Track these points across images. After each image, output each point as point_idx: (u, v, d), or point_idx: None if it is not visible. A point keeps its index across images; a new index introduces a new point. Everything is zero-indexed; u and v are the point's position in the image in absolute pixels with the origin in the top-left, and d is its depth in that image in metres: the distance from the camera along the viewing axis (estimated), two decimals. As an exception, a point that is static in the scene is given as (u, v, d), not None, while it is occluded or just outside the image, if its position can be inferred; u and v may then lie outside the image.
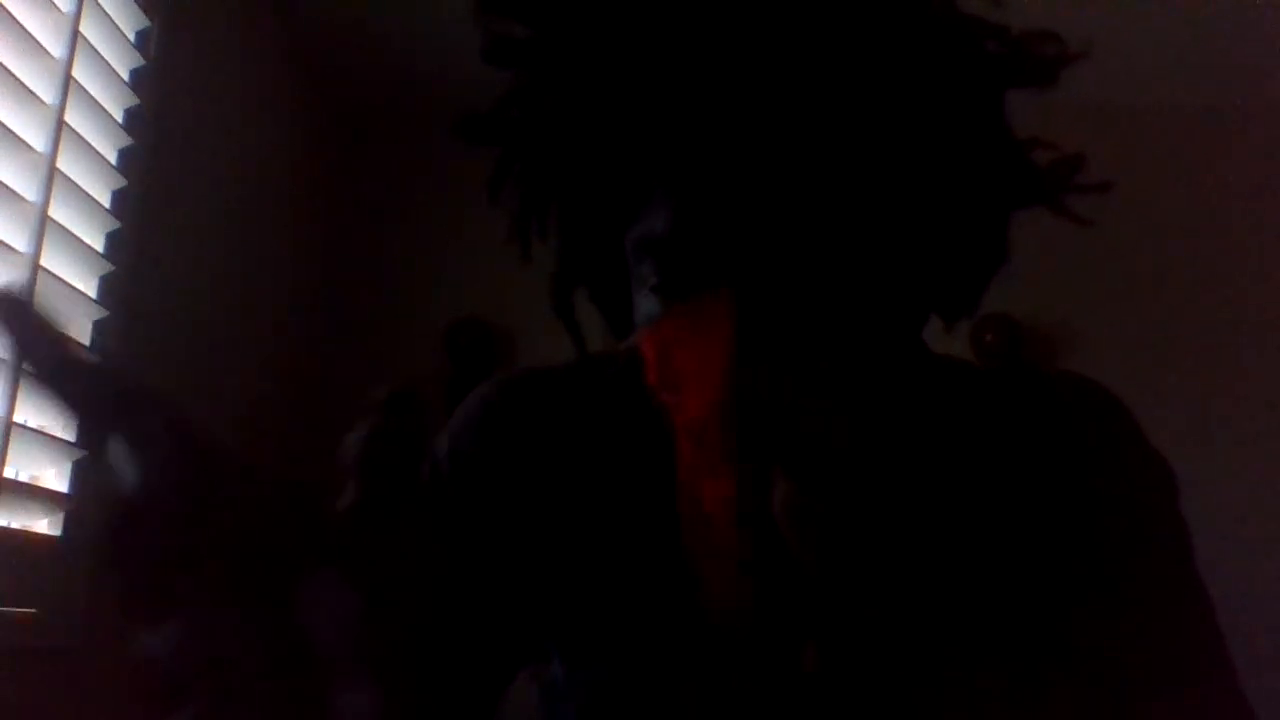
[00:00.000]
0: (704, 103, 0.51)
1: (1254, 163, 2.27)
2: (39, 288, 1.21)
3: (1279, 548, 2.02)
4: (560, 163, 0.57)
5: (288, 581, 0.30)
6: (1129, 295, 2.24)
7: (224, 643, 0.30)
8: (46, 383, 0.32)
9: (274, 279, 2.06)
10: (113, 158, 1.43)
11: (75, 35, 1.31)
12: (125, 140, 1.45)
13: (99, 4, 1.39)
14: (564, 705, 0.65)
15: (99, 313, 1.37)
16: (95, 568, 1.33)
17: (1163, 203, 2.24)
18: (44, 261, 1.23)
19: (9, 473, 1.17)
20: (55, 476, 1.32)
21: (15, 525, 1.23)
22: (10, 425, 1.15)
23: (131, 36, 1.50)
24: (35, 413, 1.28)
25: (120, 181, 1.44)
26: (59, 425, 1.32)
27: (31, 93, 1.23)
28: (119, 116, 1.45)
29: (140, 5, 1.50)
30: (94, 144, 1.37)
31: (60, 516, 1.30)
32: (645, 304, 0.56)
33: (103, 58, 1.39)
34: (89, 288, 1.38)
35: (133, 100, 1.47)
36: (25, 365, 0.31)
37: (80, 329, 1.37)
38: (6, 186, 1.17)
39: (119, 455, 0.31)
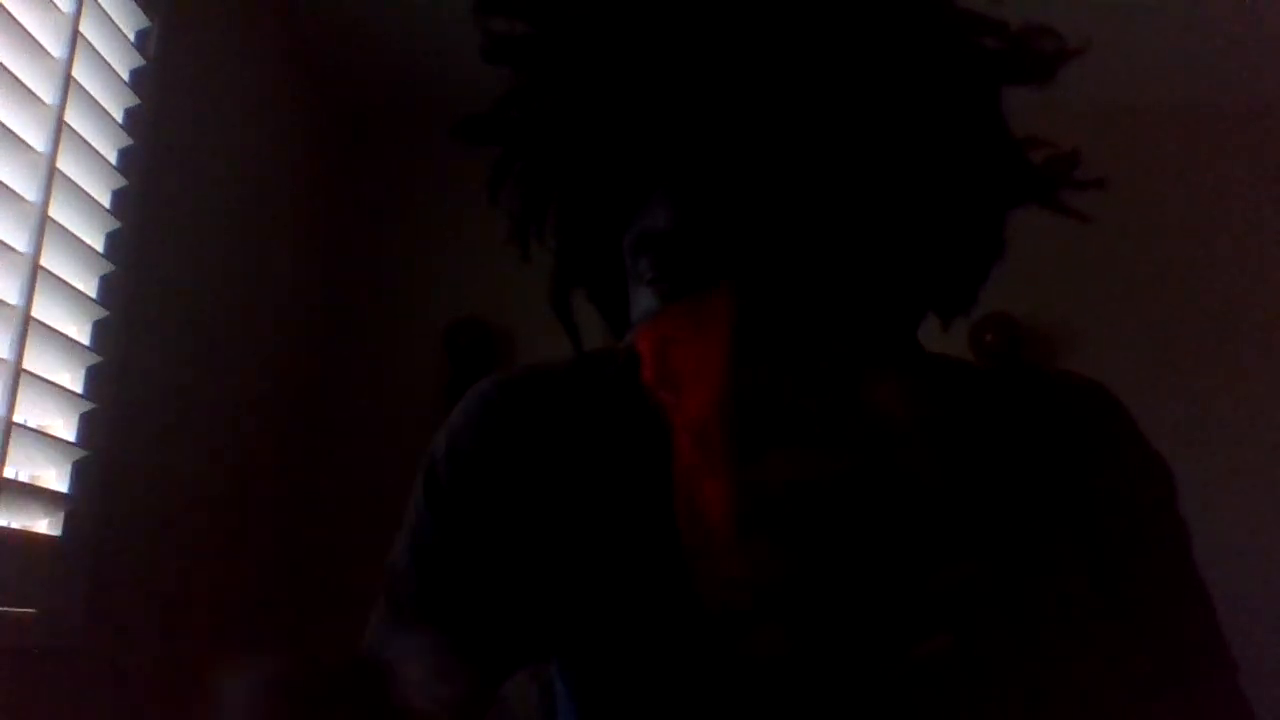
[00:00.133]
0: (704, 100, 0.51)
1: (1254, 162, 2.27)
2: (39, 288, 1.21)
3: (1279, 548, 2.02)
4: (560, 162, 0.57)
5: None
6: (1129, 295, 2.24)
7: None
8: None
9: (274, 279, 2.06)
10: (113, 158, 1.43)
11: (75, 35, 1.31)
12: (125, 140, 1.45)
13: (99, 4, 1.39)
14: (564, 704, 0.65)
15: (99, 313, 1.37)
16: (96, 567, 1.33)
17: (1163, 202, 2.24)
18: (44, 261, 1.23)
19: (9, 473, 1.17)
20: (55, 476, 1.32)
21: (15, 525, 1.23)
22: (10, 425, 1.15)
23: (131, 36, 1.50)
24: (35, 413, 1.28)
25: (120, 181, 1.43)
26: (59, 425, 1.32)
27: (31, 93, 1.23)
28: (119, 116, 1.45)
29: (140, 5, 1.50)
30: (94, 144, 1.36)
31: (60, 516, 1.30)
32: (643, 301, 0.56)
33: (103, 58, 1.39)
34: (89, 288, 1.38)
35: (133, 100, 1.47)
36: None
37: (80, 329, 1.37)
38: (6, 186, 1.17)
39: None
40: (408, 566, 0.65)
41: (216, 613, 1.72)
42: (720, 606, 0.52)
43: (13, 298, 1.19)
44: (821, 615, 0.56)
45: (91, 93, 1.35)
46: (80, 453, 1.32)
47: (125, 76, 1.47)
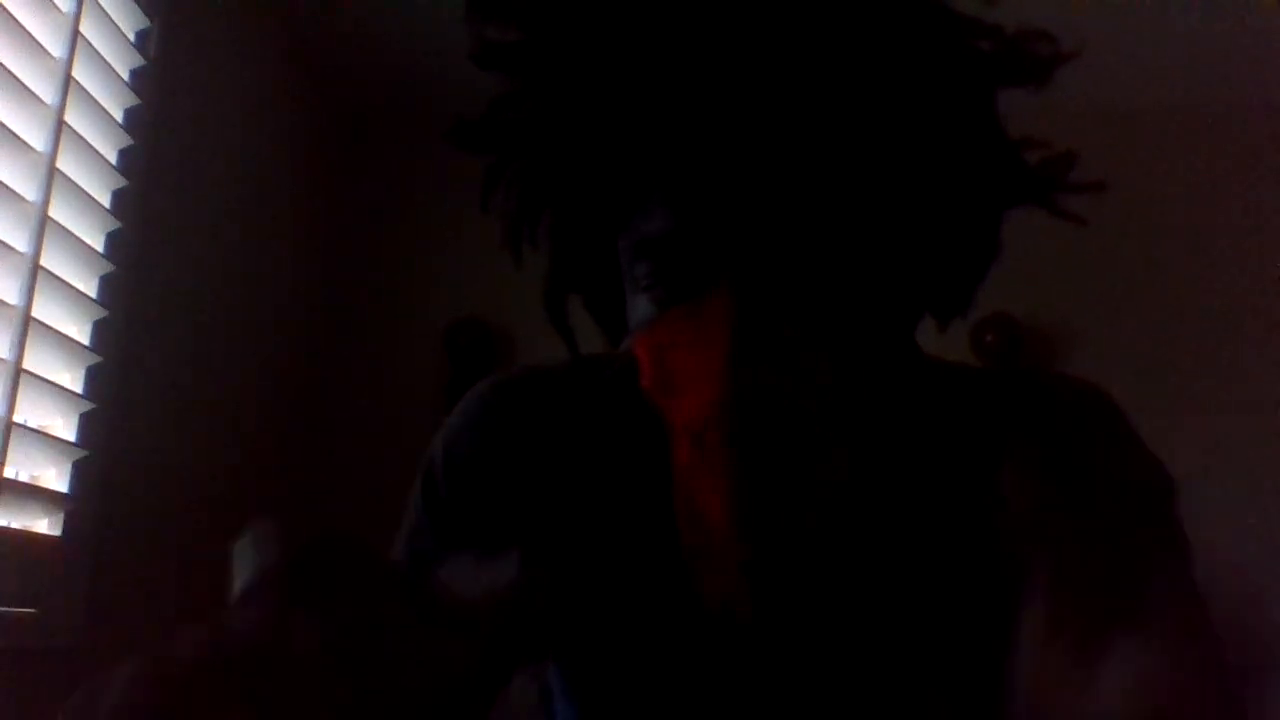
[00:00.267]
0: (698, 103, 0.50)
1: (1254, 163, 2.27)
2: (39, 288, 1.21)
3: (1278, 547, 2.02)
4: (553, 167, 0.56)
5: None
6: (1129, 295, 2.24)
7: None
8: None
9: (274, 279, 2.06)
10: (113, 158, 1.43)
11: (75, 35, 1.31)
12: (125, 140, 1.45)
13: (99, 4, 1.39)
14: (564, 706, 0.65)
15: (99, 313, 1.37)
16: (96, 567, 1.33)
17: (1163, 203, 2.24)
18: (44, 261, 1.23)
19: (9, 473, 1.17)
20: (55, 476, 1.32)
21: (15, 525, 1.23)
22: (10, 425, 1.15)
23: (131, 36, 1.50)
24: (35, 413, 1.28)
25: (120, 181, 1.44)
26: (59, 425, 1.32)
27: (31, 93, 1.23)
28: (119, 116, 1.45)
29: (140, 5, 1.50)
30: (94, 144, 1.37)
31: (60, 516, 1.30)
32: (640, 307, 0.56)
33: (103, 58, 1.39)
34: (89, 288, 1.38)
35: (133, 100, 1.47)
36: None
37: (80, 329, 1.37)
38: (6, 186, 1.17)
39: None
40: (405, 568, 0.65)
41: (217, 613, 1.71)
42: (720, 606, 0.52)
43: (13, 298, 1.19)
44: (821, 616, 0.56)
45: (91, 93, 1.35)
46: (80, 453, 1.32)
47: (125, 76, 1.47)
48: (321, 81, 2.24)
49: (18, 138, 1.20)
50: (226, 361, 1.82)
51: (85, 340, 1.36)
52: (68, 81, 1.29)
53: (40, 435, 1.24)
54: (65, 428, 1.33)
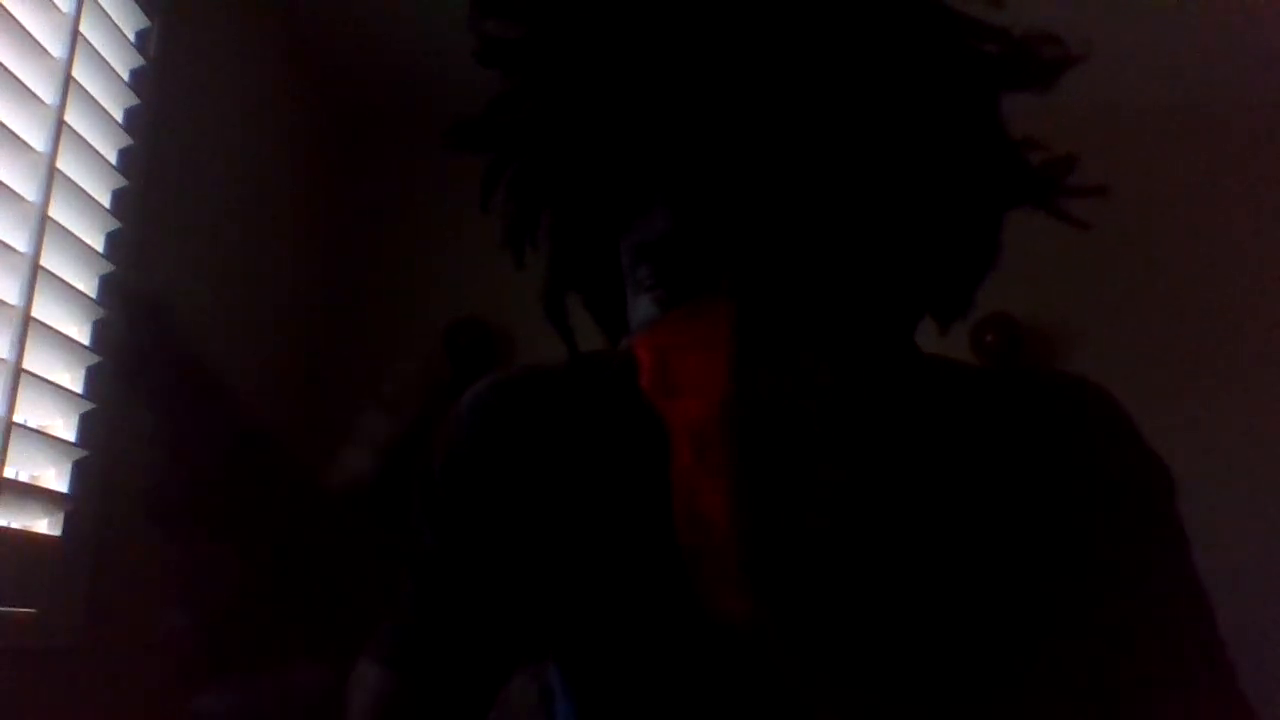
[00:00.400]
0: (700, 104, 0.50)
1: (1253, 163, 2.27)
2: (39, 288, 1.21)
3: (1277, 547, 2.02)
4: (553, 167, 0.56)
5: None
6: (1129, 295, 2.24)
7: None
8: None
9: (274, 279, 2.06)
10: (113, 158, 1.43)
11: (75, 35, 1.31)
12: (125, 140, 1.45)
13: (99, 4, 1.39)
14: (562, 705, 0.65)
15: (99, 313, 1.37)
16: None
17: (1163, 203, 2.23)
18: (44, 261, 1.23)
19: (9, 473, 1.17)
20: (55, 476, 1.32)
21: (15, 525, 1.23)
22: (10, 425, 1.15)
23: (131, 36, 1.50)
24: (35, 413, 1.28)
25: (120, 181, 1.43)
26: (59, 425, 1.32)
27: (31, 93, 1.23)
28: (119, 116, 1.45)
29: (140, 5, 1.50)
30: (94, 144, 1.36)
31: (60, 516, 1.30)
32: (641, 308, 0.55)
33: (103, 58, 1.39)
34: (89, 288, 1.38)
35: (133, 100, 1.47)
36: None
37: (80, 329, 1.37)
38: (6, 186, 1.17)
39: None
40: (405, 568, 0.65)
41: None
42: (721, 612, 0.52)
43: (13, 298, 1.19)
44: (821, 619, 0.55)
45: (91, 93, 1.35)
46: (80, 453, 1.32)
47: (125, 76, 1.47)
48: (321, 81, 2.24)
49: (18, 138, 1.20)
50: (226, 361, 1.82)
51: (85, 340, 1.36)
52: (68, 81, 1.29)
53: (40, 435, 1.24)
54: (65, 428, 1.33)
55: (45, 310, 1.25)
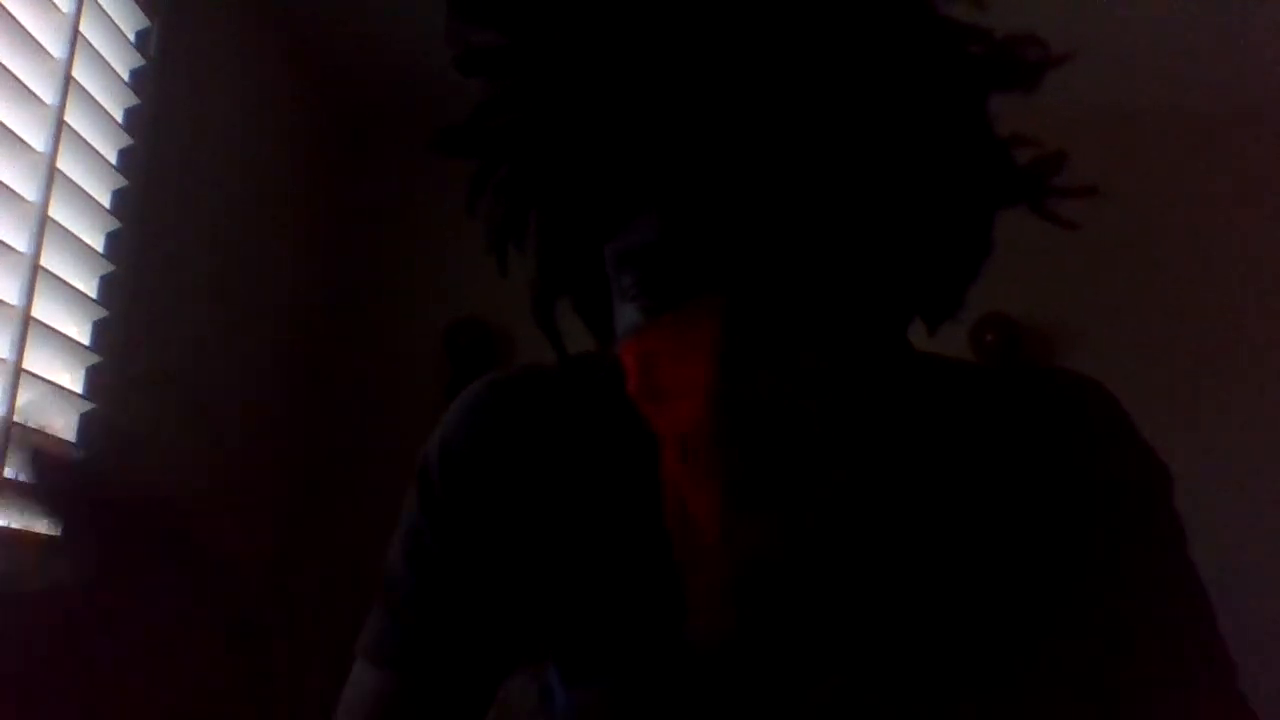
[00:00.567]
0: (685, 109, 0.50)
1: (1252, 164, 2.27)
2: (39, 288, 1.21)
3: (1277, 547, 2.02)
4: (539, 172, 0.55)
5: None
6: (1129, 295, 2.24)
7: None
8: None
9: (274, 279, 2.06)
10: (113, 158, 1.43)
11: (75, 35, 1.31)
12: (125, 140, 1.45)
13: (99, 4, 1.39)
14: (562, 705, 0.65)
15: (99, 313, 1.37)
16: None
17: (1162, 203, 2.24)
18: (44, 261, 1.23)
19: (9, 473, 1.17)
20: (55, 476, 1.32)
21: (15, 525, 1.23)
22: (10, 425, 1.15)
23: (131, 36, 1.50)
24: (35, 413, 1.28)
25: (120, 181, 1.44)
26: (59, 425, 1.32)
27: (31, 93, 1.23)
28: (119, 116, 1.45)
29: (140, 5, 1.50)
30: (94, 144, 1.37)
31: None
32: (627, 315, 0.55)
33: (103, 58, 1.39)
34: (89, 288, 1.38)
35: (133, 100, 1.47)
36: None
37: (80, 329, 1.37)
38: (6, 186, 1.17)
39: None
40: (403, 568, 0.65)
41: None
42: (708, 621, 0.52)
43: (13, 298, 1.19)
44: (813, 626, 0.55)
45: (91, 93, 1.35)
46: (80, 452, 1.32)
47: (125, 76, 1.47)
48: (321, 82, 2.24)
49: (18, 138, 1.20)
50: (226, 361, 1.82)
51: (85, 340, 1.36)
52: (68, 81, 1.29)
53: (40, 435, 1.24)
54: (65, 427, 1.33)
55: (45, 310, 1.25)
